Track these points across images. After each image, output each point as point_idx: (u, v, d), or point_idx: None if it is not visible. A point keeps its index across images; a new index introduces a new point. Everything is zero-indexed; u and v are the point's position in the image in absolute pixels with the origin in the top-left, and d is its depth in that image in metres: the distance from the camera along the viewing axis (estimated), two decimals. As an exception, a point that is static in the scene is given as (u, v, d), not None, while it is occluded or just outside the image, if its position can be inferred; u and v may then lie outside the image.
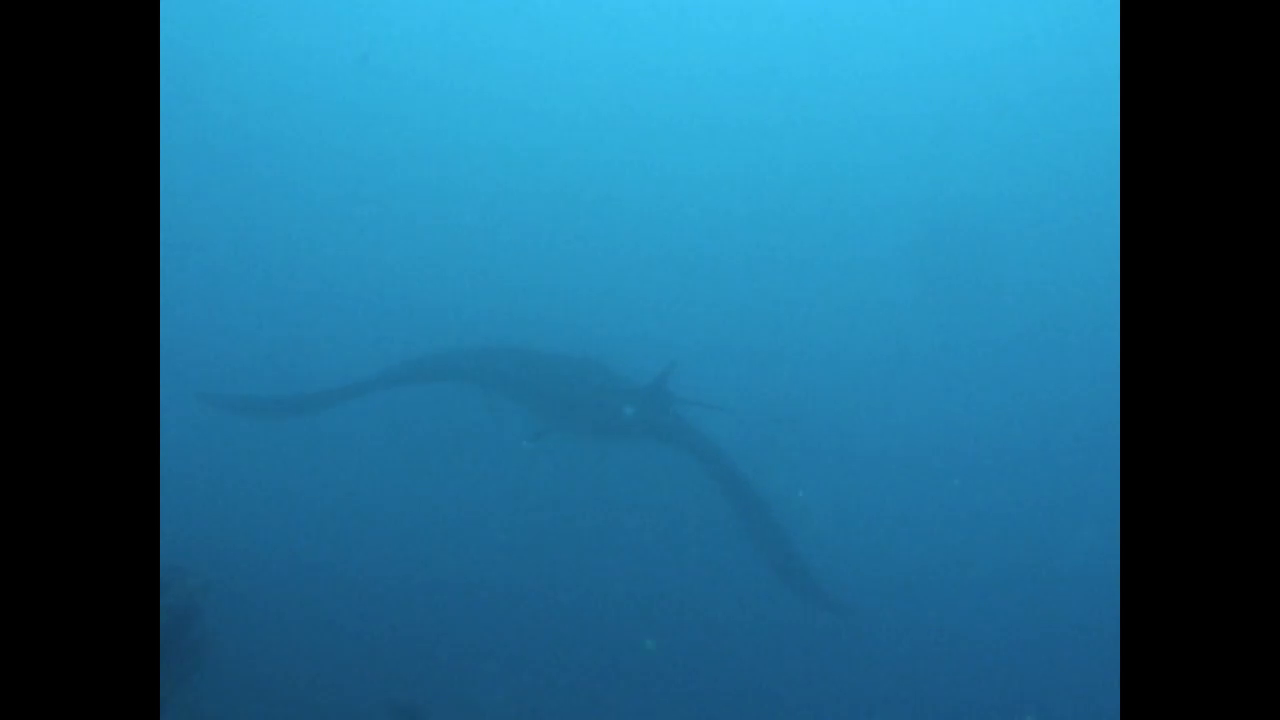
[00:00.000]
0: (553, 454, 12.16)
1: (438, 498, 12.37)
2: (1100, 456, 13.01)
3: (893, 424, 16.64)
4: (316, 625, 9.86)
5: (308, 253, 19.17)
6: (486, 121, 24.88)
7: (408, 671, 9.61)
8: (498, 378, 10.11)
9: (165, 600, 7.84)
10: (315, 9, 25.31)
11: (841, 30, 25.81)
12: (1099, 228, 20.35)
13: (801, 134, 25.09)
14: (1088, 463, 14.74)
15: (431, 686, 9.39)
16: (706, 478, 10.29)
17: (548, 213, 21.86)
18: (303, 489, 11.83)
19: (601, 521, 12.48)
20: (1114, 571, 3.40)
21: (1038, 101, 24.95)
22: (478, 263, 19.25)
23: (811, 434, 14.97)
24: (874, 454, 15.40)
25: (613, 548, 12.27)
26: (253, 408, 10.00)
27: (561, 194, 22.47)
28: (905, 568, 13.09)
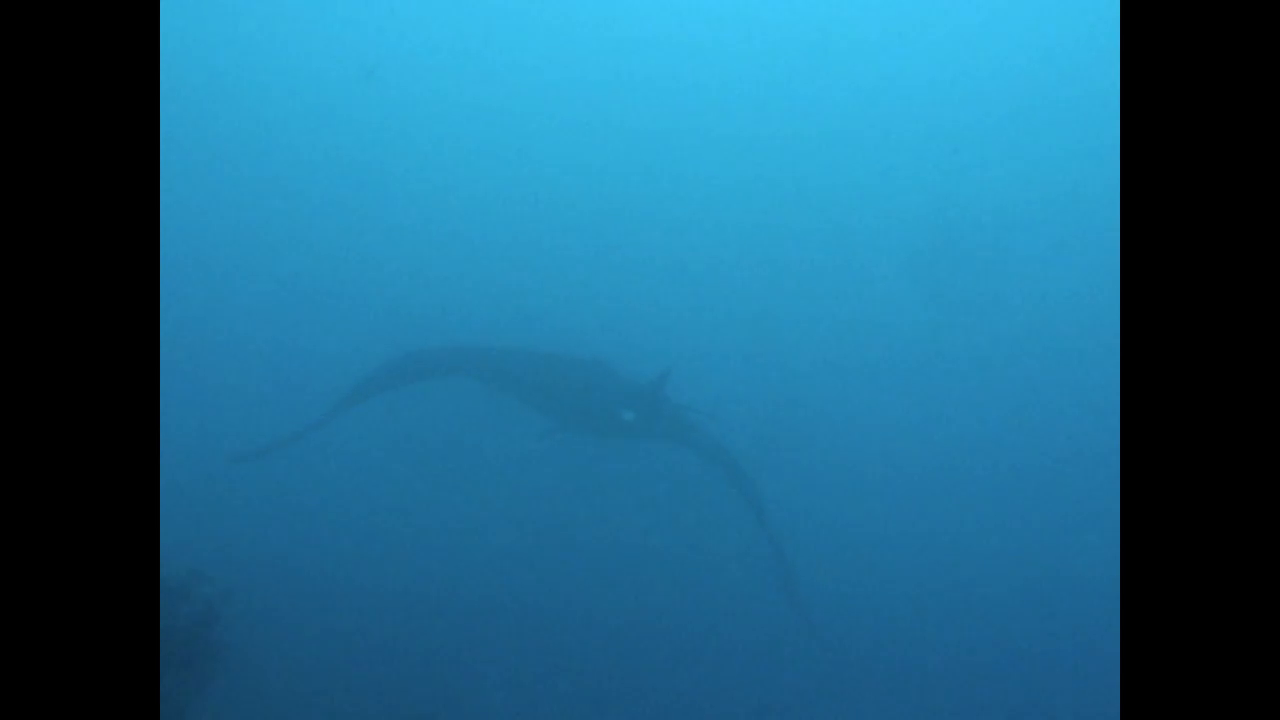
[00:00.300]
0: (559, 456, 12.20)
1: (452, 505, 12.43)
2: (1100, 462, 12.89)
3: (894, 430, 16.56)
4: (334, 632, 9.93)
5: (312, 248, 19.35)
6: (493, 125, 25.06)
7: (423, 678, 9.65)
8: (500, 375, 10.10)
9: (184, 607, 7.92)
10: (318, 17, 25.58)
11: (844, 36, 25.78)
12: (1100, 234, 20.23)
13: (804, 140, 25.10)
14: (1088, 468, 14.61)
15: (447, 693, 9.42)
16: (710, 476, 10.30)
17: (559, 220, 21.97)
18: (320, 496, 11.93)
19: (609, 527, 12.50)
20: (1114, 578, 3.37)
21: (1039, 107, 24.84)
22: (482, 264, 19.37)
23: (813, 440, 14.94)
24: (874, 458, 15.33)
25: (620, 552, 12.29)
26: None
27: (573, 205, 22.59)
28: (905, 573, 13.01)
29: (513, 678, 10.05)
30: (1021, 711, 10.70)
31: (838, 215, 22.96)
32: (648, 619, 11.35)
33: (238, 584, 8.19)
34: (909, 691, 10.96)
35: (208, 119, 22.44)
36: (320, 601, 10.20)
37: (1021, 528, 14.35)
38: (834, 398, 17.00)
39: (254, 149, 22.40)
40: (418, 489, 12.57)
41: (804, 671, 10.80)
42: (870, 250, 21.83)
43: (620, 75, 26.08)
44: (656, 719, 10.06)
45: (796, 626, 10.55)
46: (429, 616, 10.54)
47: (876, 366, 18.56)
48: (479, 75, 26.06)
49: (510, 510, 12.57)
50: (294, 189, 21.47)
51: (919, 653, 11.57)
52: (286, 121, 23.67)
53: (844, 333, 19.32)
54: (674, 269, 20.72)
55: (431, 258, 19.46)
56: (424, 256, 19.51)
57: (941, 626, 12.07)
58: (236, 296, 17.40)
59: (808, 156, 24.71)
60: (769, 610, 11.21)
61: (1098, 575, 11.88)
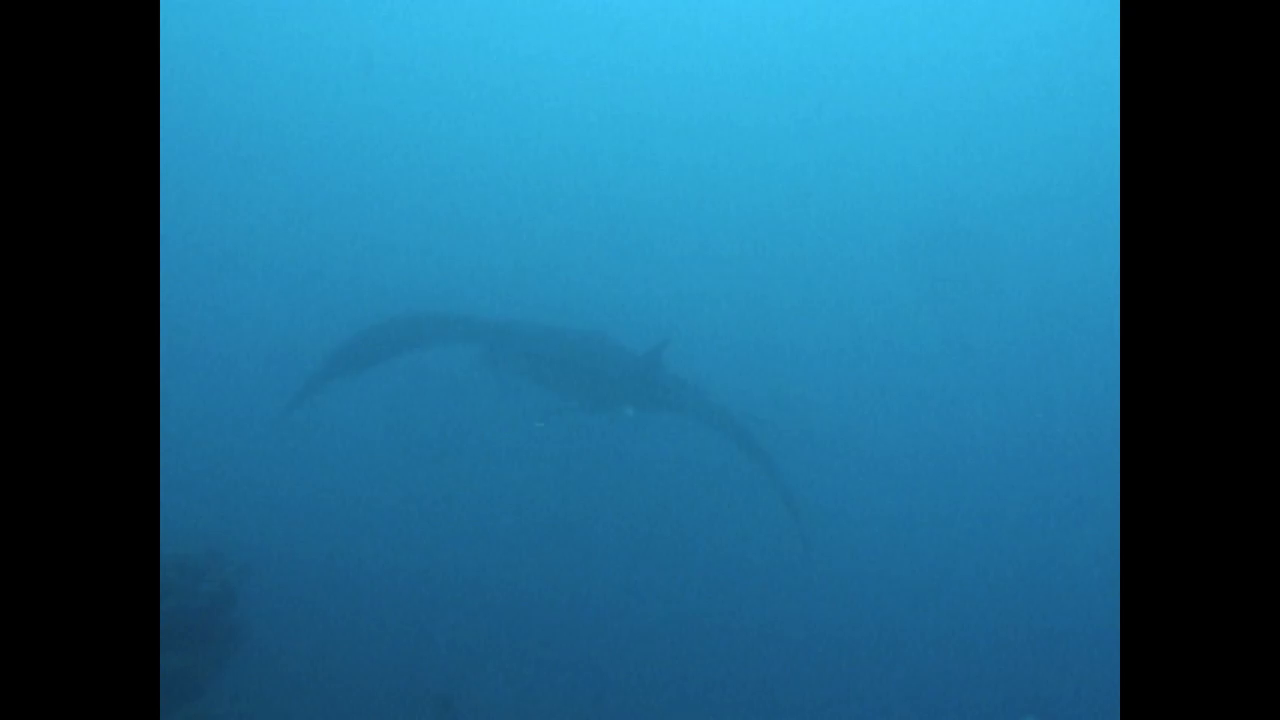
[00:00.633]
0: (568, 440, 12.24)
1: (466, 487, 12.52)
2: (1100, 458, 12.82)
3: (892, 424, 16.51)
4: (350, 610, 10.05)
5: (318, 229, 19.47)
6: (497, 113, 25.11)
7: (437, 657, 9.75)
8: (500, 343, 10.03)
9: (203, 586, 8.04)
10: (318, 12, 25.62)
11: (846, 33, 25.56)
12: (1099, 229, 20.05)
13: (803, 135, 25.00)
14: (1088, 464, 14.53)
15: (461, 673, 9.52)
16: (718, 441, 10.31)
17: (570, 212, 22.01)
18: (335, 477, 12.05)
19: (621, 511, 12.56)
20: (1114, 573, 3.36)
21: (1038, 103, 24.63)
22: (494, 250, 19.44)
23: (809, 429, 14.91)
24: (873, 454, 15.30)
25: (631, 537, 12.36)
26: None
27: (581, 197, 22.61)
28: (905, 568, 13.00)
29: (526, 658, 10.14)
30: (1022, 702, 10.69)
31: (836, 209, 22.92)
32: (658, 603, 11.42)
33: (255, 563, 8.29)
34: (911, 683, 10.97)
35: (213, 105, 22.61)
36: (337, 581, 10.33)
37: (1020, 520, 14.32)
38: (831, 387, 16.95)
39: (257, 137, 22.54)
40: (434, 473, 12.66)
41: (806, 664, 10.85)
42: (868, 243, 21.77)
43: (627, 68, 26.05)
44: (665, 700, 10.13)
45: (796, 618, 10.60)
46: (444, 597, 10.64)
47: (873, 357, 18.54)
48: (482, 59, 26.07)
49: (524, 495, 12.65)
50: (298, 169, 21.60)
51: (921, 645, 11.58)
52: (291, 108, 23.81)
53: (842, 323, 19.31)
54: (670, 260, 20.73)
55: (438, 239, 19.56)
56: (430, 237, 19.60)
57: (943, 619, 12.07)
58: (252, 279, 17.55)
59: (809, 150, 24.65)
60: (768, 607, 11.27)
61: (1094, 567, 11.84)
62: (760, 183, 24.02)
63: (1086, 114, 23.26)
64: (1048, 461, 15.61)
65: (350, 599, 10.23)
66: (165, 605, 7.61)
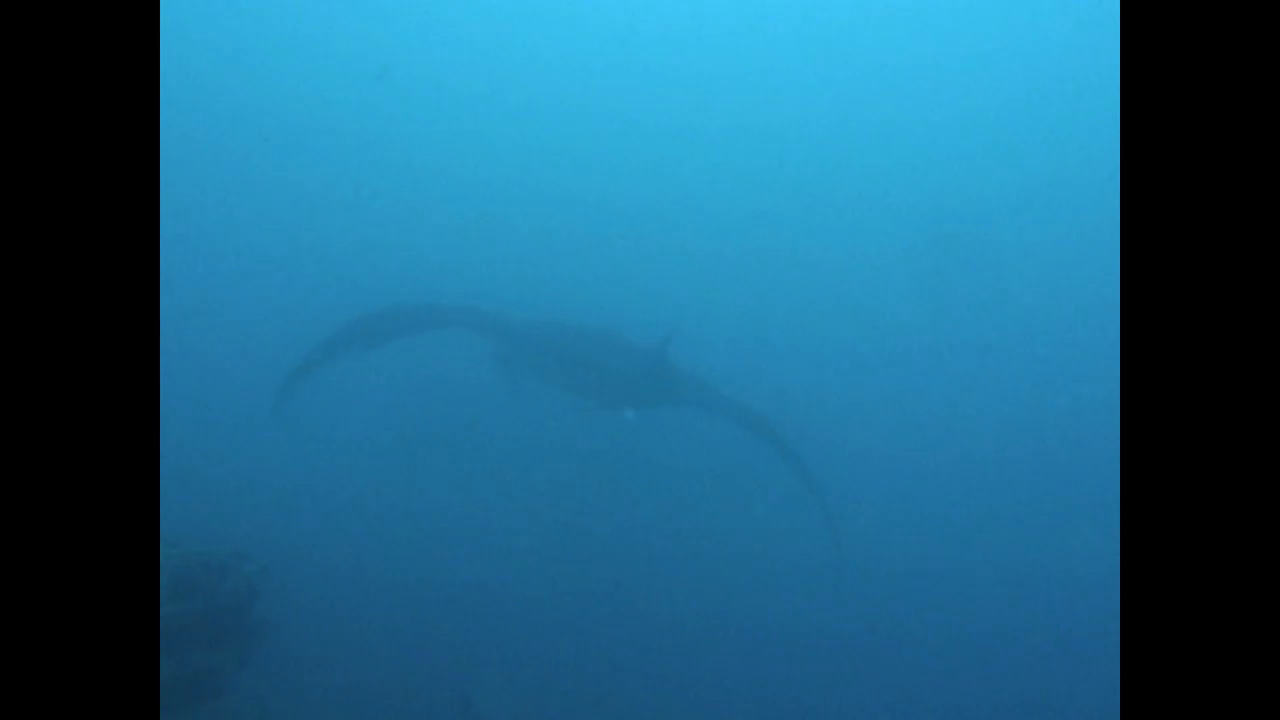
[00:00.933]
0: (582, 439, 12.25)
1: (485, 489, 12.59)
2: (1100, 458, 12.65)
3: (893, 423, 16.38)
4: (372, 610, 10.13)
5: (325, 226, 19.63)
6: (505, 117, 25.23)
7: (455, 654, 9.80)
8: (508, 336, 10.01)
9: (226, 584, 8.14)
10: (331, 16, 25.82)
11: (847, 34, 25.42)
12: (1100, 230, 19.81)
13: (806, 136, 24.90)
14: (1088, 464, 14.35)
15: (481, 673, 9.57)
16: (731, 437, 10.24)
17: (575, 219, 22.06)
18: (355, 478, 12.15)
19: (638, 510, 12.57)
20: (1114, 573, 3.32)
21: (1040, 105, 24.37)
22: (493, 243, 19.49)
23: (811, 435, 14.82)
24: (870, 448, 15.19)
25: (647, 536, 12.36)
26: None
27: (584, 203, 22.66)
28: (905, 568, 12.90)
29: (544, 657, 10.17)
30: (1022, 702, 10.58)
31: (838, 210, 22.83)
32: (674, 602, 11.42)
33: (278, 563, 8.38)
34: (910, 683, 10.89)
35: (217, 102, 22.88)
36: (358, 581, 10.42)
37: (1020, 521, 14.18)
38: (832, 388, 16.84)
39: (256, 135, 22.78)
40: (453, 474, 12.74)
41: (808, 665, 10.80)
42: (870, 244, 21.66)
43: (630, 71, 26.10)
44: (681, 698, 10.12)
45: (796, 617, 10.53)
46: (463, 597, 10.70)
47: (874, 358, 18.42)
48: (483, 53, 26.16)
49: (542, 495, 12.69)
50: (303, 169, 21.81)
51: (920, 645, 11.49)
52: (290, 106, 24.04)
53: (843, 324, 19.21)
54: (674, 262, 20.71)
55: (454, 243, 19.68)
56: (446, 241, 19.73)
57: (942, 619, 11.97)
58: (274, 283, 17.73)
59: (810, 152, 24.56)
60: (769, 607, 11.22)
61: (1092, 568, 11.70)
62: (762, 183, 23.98)
63: (1087, 113, 23.02)
64: (1047, 460, 15.46)
65: (372, 599, 10.32)
66: (188, 604, 7.70)
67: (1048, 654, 11.25)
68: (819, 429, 14.77)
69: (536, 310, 10.14)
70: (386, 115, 24.65)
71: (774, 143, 24.66)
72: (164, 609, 7.55)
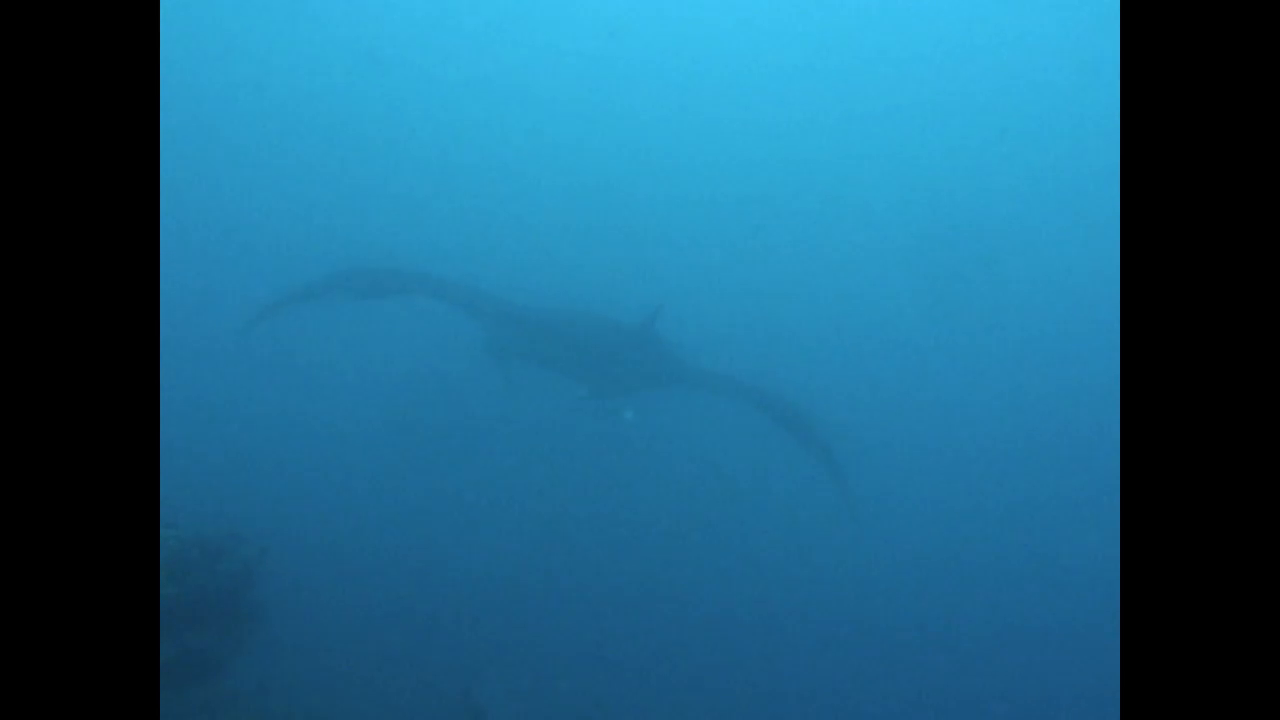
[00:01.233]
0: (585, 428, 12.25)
1: (480, 474, 12.61)
2: (1101, 457, 12.68)
3: (891, 420, 16.40)
4: (369, 592, 10.16)
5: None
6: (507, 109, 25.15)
7: (453, 638, 9.84)
8: (495, 317, 9.93)
9: (224, 566, 8.16)
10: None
11: (849, 37, 25.32)
12: (1101, 229, 19.81)
13: (807, 134, 24.84)
14: (1088, 464, 14.38)
15: (479, 662, 9.60)
16: (733, 418, 10.22)
17: (576, 220, 22.02)
18: (354, 462, 12.17)
19: (641, 501, 12.59)
20: (1114, 574, 3.33)
21: (1040, 105, 24.32)
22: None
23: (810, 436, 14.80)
24: (871, 450, 15.19)
25: (651, 527, 12.39)
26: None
27: (588, 205, 22.61)
28: (905, 568, 12.94)
29: (540, 640, 10.20)
30: (1022, 701, 10.63)
31: (840, 212, 22.80)
32: (677, 594, 11.45)
33: (275, 545, 8.40)
34: (910, 683, 10.92)
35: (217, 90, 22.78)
36: (356, 564, 10.44)
37: (1020, 521, 14.22)
38: (834, 389, 16.83)
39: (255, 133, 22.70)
40: (449, 458, 12.76)
41: (808, 663, 10.83)
42: (870, 242, 21.64)
43: (634, 73, 25.99)
44: (683, 692, 10.16)
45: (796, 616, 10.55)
46: (460, 581, 10.73)
47: (873, 356, 18.43)
48: (476, 46, 26.08)
49: (543, 481, 12.71)
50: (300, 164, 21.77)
51: (921, 645, 11.53)
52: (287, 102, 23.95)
53: (842, 323, 19.20)
54: (671, 258, 20.68)
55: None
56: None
57: (943, 618, 12.01)
58: (270, 268, 17.64)
59: (811, 153, 24.51)
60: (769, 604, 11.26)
61: (1093, 569, 11.74)
62: (763, 180, 23.97)
63: (1087, 111, 23.00)
64: (1046, 459, 15.50)
65: (368, 581, 10.34)
66: (185, 585, 7.73)
67: (1048, 650, 11.30)
68: (819, 427, 14.78)
69: (530, 296, 10.11)
70: (380, 96, 24.57)
71: (774, 140, 24.64)
72: (161, 591, 7.58)
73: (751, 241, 21.96)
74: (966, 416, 17.23)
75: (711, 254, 21.52)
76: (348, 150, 23.19)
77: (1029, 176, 23.58)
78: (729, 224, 22.70)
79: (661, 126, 25.32)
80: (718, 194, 23.64)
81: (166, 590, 7.58)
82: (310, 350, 13.69)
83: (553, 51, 25.99)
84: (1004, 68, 24.61)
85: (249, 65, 24.16)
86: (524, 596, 10.78)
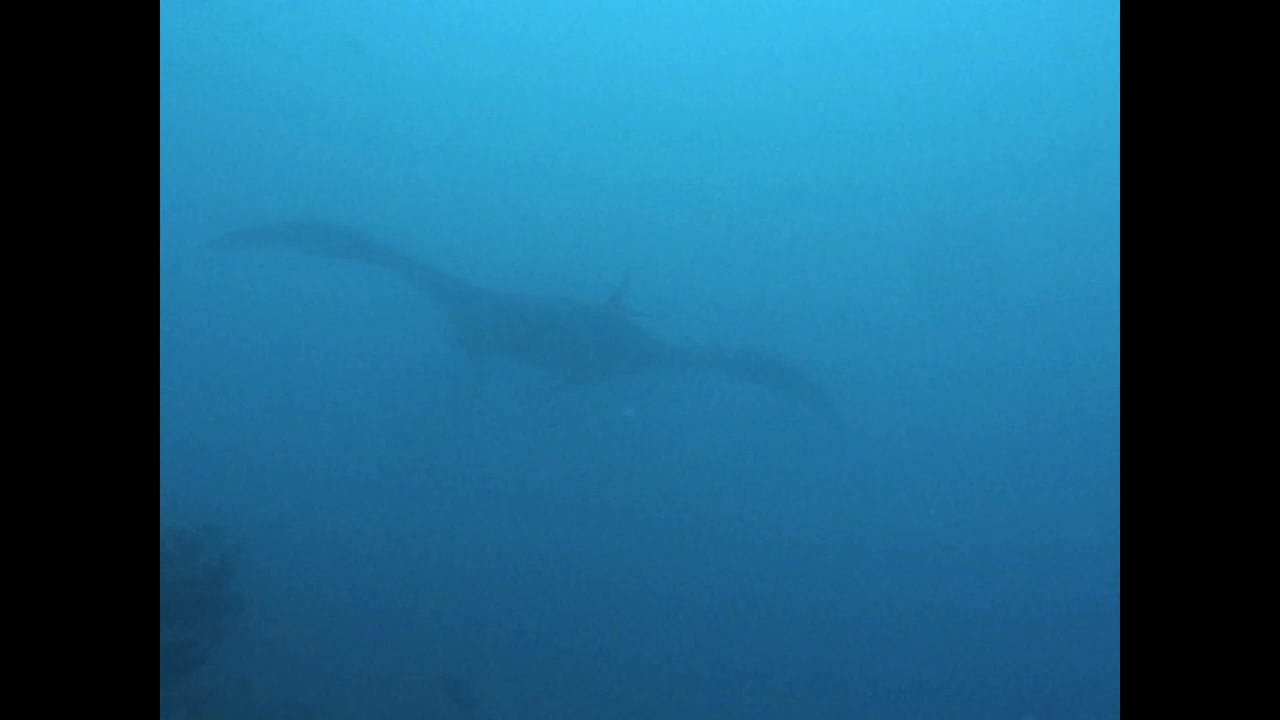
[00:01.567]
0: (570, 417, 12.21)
1: (460, 466, 12.55)
2: (1100, 455, 12.87)
3: (888, 415, 16.52)
4: (347, 584, 10.10)
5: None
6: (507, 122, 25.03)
7: (433, 629, 9.81)
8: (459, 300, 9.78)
9: (199, 559, 8.07)
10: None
11: (848, 38, 25.37)
12: (1100, 229, 20.04)
13: (807, 139, 24.89)
14: (1088, 461, 14.58)
15: (455, 644, 9.59)
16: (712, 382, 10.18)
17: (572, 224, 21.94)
18: (334, 452, 12.07)
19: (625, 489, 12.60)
20: (1114, 572, 3.38)
21: (1039, 107, 24.52)
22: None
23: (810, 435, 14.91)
24: (873, 453, 15.32)
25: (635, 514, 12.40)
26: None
27: (580, 190, 22.51)
28: (905, 566, 13.07)
29: (521, 631, 10.21)
30: (1022, 701, 10.76)
31: (840, 214, 22.88)
32: (662, 582, 11.48)
33: (252, 538, 8.33)
34: (911, 681, 11.03)
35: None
36: (335, 556, 10.37)
37: (1020, 518, 14.38)
38: (829, 387, 16.91)
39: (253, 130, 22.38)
40: (430, 452, 12.68)
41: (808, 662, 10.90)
42: (873, 249, 21.75)
43: (631, 79, 25.86)
44: (669, 678, 10.22)
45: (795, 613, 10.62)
46: (440, 573, 10.69)
47: (873, 354, 18.54)
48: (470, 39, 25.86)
49: (525, 472, 12.68)
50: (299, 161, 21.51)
51: (921, 642, 11.65)
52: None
53: (845, 328, 19.29)
54: (666, 256, 20.68)
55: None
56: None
57: (943, 616, 12.14)
58: (253, 263, 17.38)
59: (811, 155, 24.55)
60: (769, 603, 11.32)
61: (1096, 567, 11.90)
62: (757, 174, 23.97)
63: (1087, 109, 23.21)
64: (1048, 459, 15.66)
65: (348, 573, 10.28)
66: (162, 579, 7.64)
67: (1048, 646, 11.43)
68: (818, 426, 14.87)
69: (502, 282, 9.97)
70: (365, 83, 24.30)
71: (773, 138, 24.62)
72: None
73: (745, 232, 21.98)
74: (965, 407, 17.35)
75: (705, 247, 21.50)
76: (312, 129, 22.86)
77: (1029, 167, 23.70)
78: (721, 215, 22.68)
79: (655, 117, 25.19)
80: (710, 185, 23.61)
81: (143, 584, 7.50)
82: (286, 341, 13.56)
83: (530, 33, 25.78)
84: (1004, 67, 24.74)
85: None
86: (506, 586, 10.77)
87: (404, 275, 9.77)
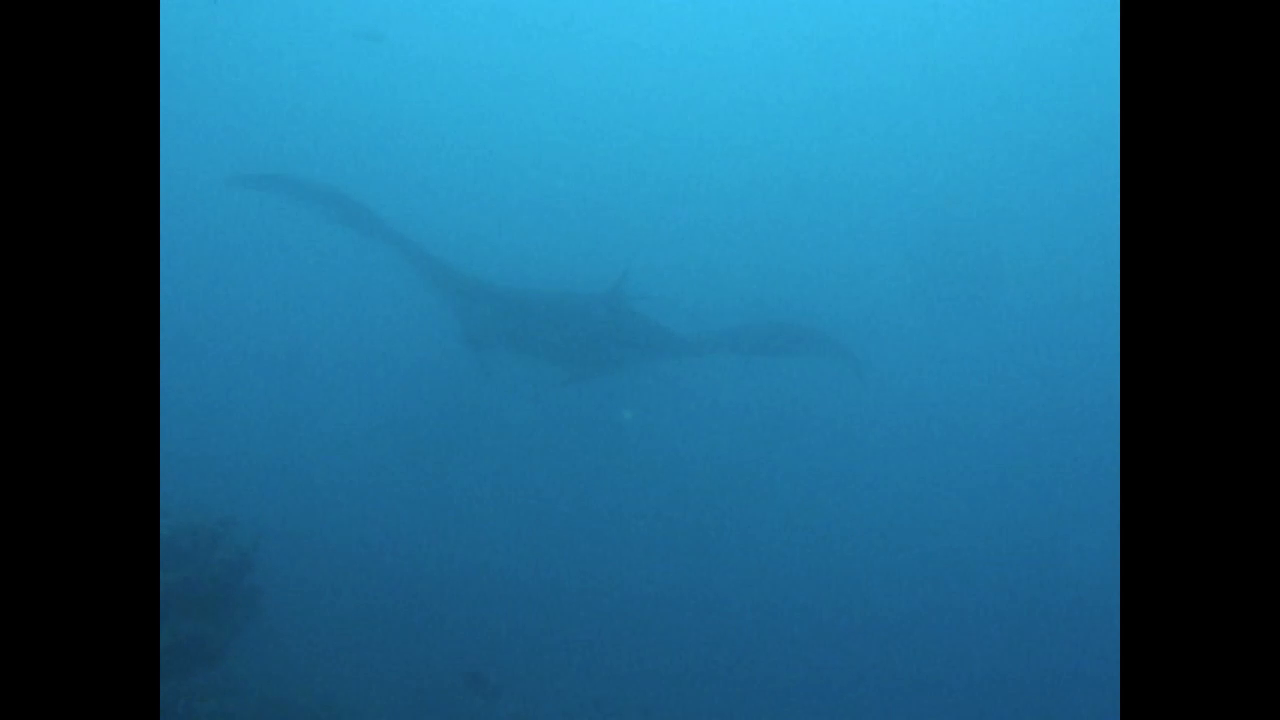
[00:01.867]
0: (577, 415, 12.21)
1: (472, 464, 12.59)
2: (1100, 458, 12.75)
3: (889, 420, 16.41)
4: (364, 578, 10.17)
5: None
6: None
7: (446, 624, 9.86)
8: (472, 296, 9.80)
9: (218, 553, 8.16)
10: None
11: (848, 40, 25.16)
12: (1100, 230, 19.82)
13: (807, 142, 24.75)
14: (1087, 465, 14.44)
15: (470, 638, 9.63)
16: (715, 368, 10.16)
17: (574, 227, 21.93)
18: (348, 449, 12.14)
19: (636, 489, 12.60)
20: (1114, 575, 3.36)
21: (1039, 110, 24.24)
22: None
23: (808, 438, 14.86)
24: (868, 448, 15.23)
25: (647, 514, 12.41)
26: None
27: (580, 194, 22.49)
28: (905, 567, 13.02)
29: (534, 626, 10.23)
30: (1022, 700, 10.69)
31: (839, 217, 22.76)
32: (674, 579, 11.49)
33: (270, 532, 8.40)
34: (910, 683, 10.99)
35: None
36: (352, 551, 10.43)
37: (1020, 522, 14.29)
38: (832, 396, 16.82)
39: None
40: (442, 449, 12.73)
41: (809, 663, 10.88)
42: (871, 252, 21.63)
43: (640, 75, 25.79)
44: (680, 673, 10.23)
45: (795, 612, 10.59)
46: (452, 568, 10.73)
47: (873, 356, 18.44)
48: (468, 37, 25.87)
49: (538, 471, 12.71)
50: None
51: (921, 645, 11.60)
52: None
53: (844, 332, 19.18)
54: (664, 257, 20.61)
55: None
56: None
57: (943, 619, 12.08)
58: (266, 268, 17.46)
59: (811, 158, 24.42)
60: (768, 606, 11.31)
61: (1096, 570, 11.81)
62: (758, 179, 23.89)
63: (1087, 109, 22.97)
64: (1048, 462, 15.56)
65: (365, 566, 10.35)
66: (180, 573, 7.72)
67: (1049, 645, 11.37)
68: (816, 434, 14.85)
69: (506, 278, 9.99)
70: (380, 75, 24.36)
71: (774, 140, 24.53)
72: (157, 579, 7.57)
73: (746, 232, 21.93)
74: (965, 407, 17.25)
75: (704, 246, 21.45)
76: (317, 124, 22.95)
77: (1029, 171, 23.53)
78: (721, 215, 22.64)
79: (656, 118, 25.17)
80: (710, 185, 23.57)
81: (162, 578, 7.57)
82: (305, 339, 13.65)
83: (538, 27, 25.78)
84: (1005, 67, 24.52)
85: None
86: (521, 581, 10.80)
87: (405, 258, 9.87)
